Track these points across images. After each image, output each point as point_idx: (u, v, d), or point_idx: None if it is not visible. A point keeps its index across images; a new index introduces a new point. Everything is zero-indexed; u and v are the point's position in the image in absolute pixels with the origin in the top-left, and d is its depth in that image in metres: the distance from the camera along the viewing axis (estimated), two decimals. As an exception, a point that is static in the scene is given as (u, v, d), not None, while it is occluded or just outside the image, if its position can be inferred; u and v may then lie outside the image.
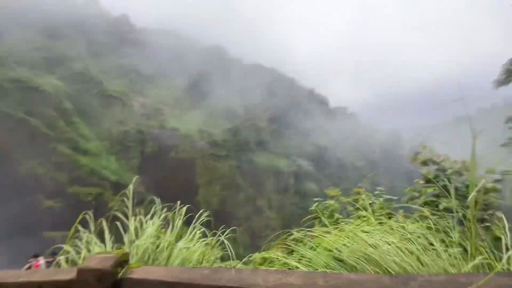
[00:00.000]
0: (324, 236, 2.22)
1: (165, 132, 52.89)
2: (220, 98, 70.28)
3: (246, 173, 56.56)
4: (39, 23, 59.52)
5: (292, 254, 2.95)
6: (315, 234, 2.44)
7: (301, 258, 1.99)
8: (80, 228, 1.94)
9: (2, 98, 39.09)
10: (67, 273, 1.50)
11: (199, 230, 2.37)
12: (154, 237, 2.01)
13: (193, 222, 2.43)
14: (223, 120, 65.34)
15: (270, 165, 62.33)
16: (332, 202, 4.94)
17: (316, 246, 2.13)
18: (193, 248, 2.12)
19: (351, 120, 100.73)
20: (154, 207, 2.23)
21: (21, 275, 1.48)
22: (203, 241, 2.27)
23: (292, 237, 5.07)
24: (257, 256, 3.72)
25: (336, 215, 4.36)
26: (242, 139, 61.02)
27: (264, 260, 3.54)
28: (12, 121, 37.84)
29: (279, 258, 2.17)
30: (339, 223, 4.05)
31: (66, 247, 1.90)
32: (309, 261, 1.82)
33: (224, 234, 2.51)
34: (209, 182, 51.57)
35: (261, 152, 64.27)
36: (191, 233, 2.27)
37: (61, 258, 1.85)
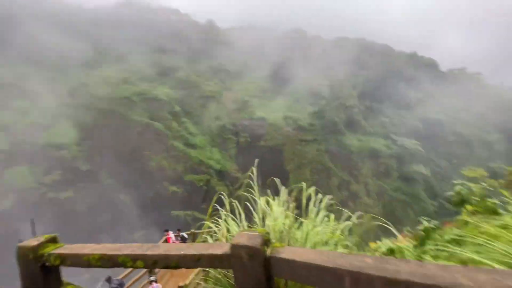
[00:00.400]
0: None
1: (253, 122, 56.05)
2: (303, 81, 68.53)
3: (337, 156, 53.71)
4: (149, 40, 72.76)
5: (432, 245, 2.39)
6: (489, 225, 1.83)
7: (476, 251, 1.50)
8: (217, 207, 2.08)
9: (132, 109, 50.29)
10: (219, 248, 1.56)
11: (324, 213, 2.18)
12: (284, 217, 1.95)
13: (315, 204, 2.27)
14: (308, 104, 63.69)
15: (364, 146, 56.99)
16: (477, 185, 3.86)
17: (497, 235, 1.56)
18: (323, 231, 1.95)
19: (473, 82, 79.18)
20: (282, 189, 2.19)
21: (182, 248, 1.61)
22: (333, 225, 2.07)
23: (422, 226, 4.25)
24: (377, 245, 3.25)
25: (491, 201, 3.36)
26: (329, 121, 58.04)
27: (391, 251, 3.05)
28: (140, 126, 48.26)
29: (448, 249, 1.72)
30: (496, 212, 3.09)
31: (207, 223, 2.08)
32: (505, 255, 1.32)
33: (351, 219, 2.25)
34: (298, 167, 51.75)
35: (352, 133, 59.53)
36: (317, 215, 2.10)
37: (204, 232, 2.06)
